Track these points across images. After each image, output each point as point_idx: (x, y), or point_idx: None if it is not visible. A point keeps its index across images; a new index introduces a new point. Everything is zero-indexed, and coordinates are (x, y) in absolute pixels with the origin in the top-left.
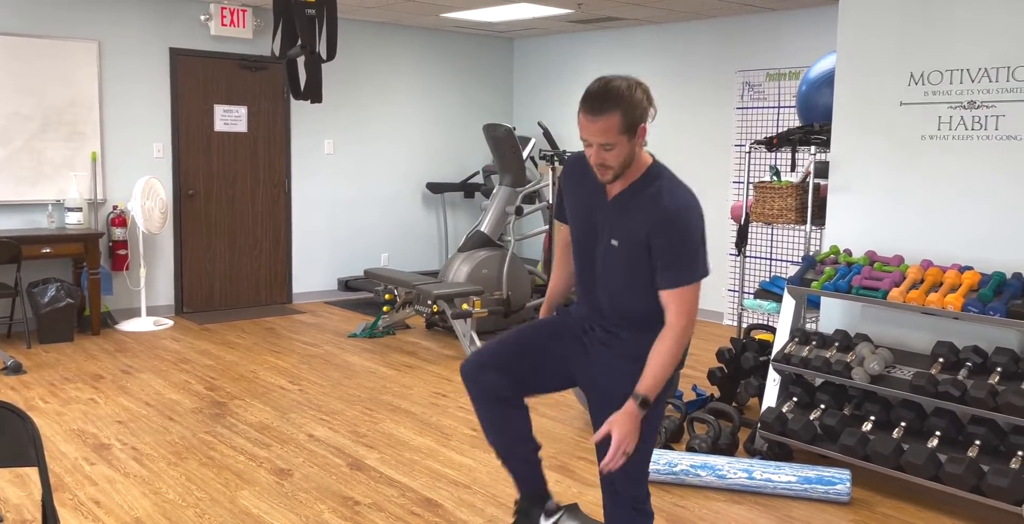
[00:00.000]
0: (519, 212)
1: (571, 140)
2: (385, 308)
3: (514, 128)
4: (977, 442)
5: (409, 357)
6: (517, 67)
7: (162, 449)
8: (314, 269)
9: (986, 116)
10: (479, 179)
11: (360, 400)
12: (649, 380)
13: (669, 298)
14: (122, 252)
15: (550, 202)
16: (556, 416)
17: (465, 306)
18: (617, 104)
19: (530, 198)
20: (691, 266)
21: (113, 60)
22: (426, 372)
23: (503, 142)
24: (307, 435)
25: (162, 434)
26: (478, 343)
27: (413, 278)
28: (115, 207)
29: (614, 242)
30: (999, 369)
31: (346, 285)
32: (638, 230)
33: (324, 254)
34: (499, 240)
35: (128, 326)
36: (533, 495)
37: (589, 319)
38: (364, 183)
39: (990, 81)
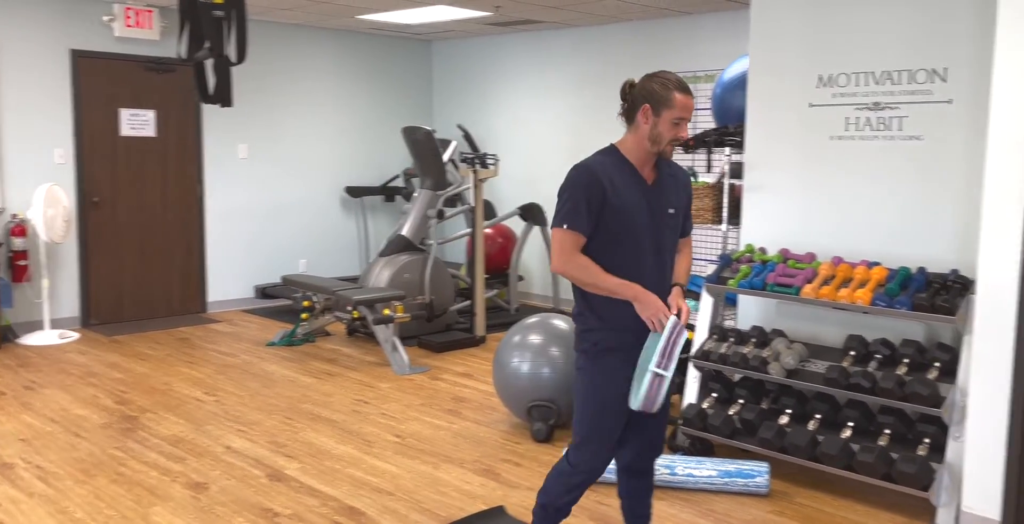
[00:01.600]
0: (441, 215)
1: (492, 142)
2: (304, 315)
3: (434, 131)
4: (887, 431)
5: (329, 364)
6: (436, 69)
7: (69, 467)
8: (229, 277)
9: (890, 117)
10: (399, 182)
11: (279, 409)
12: (684, 276)
13: (689, 240)
14: (22, 263)
15: (472, 205)
16: (481, 420)
17: (387, 311)
18: None
19: (452, 201)
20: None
21: (10, 62)
22: (347, 379)
23: (423, 145)
24: (224, 447)
25: (68, 451)
26: (400, 349)
27: (333, 284)
28: (14, 216)
29: (671, 210)
30: (906, 360)
31: (263, 293)
32: (680, 195)
33: (240, 261)
34: (421, 244)
35: (31, 340)
36: None
37: (659, 293)
38: (281, 188)
39: (893, 83)
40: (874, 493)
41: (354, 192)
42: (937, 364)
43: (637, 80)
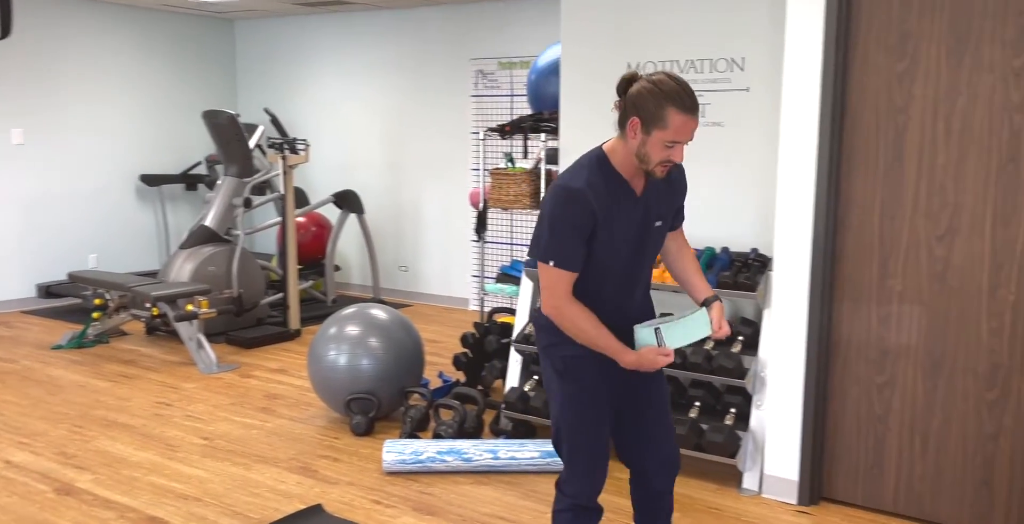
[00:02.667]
0: (248, 204)
1: (301, 127)
2: (95, 314)
3: (238, 115)
4: (697, 404)
5: (126, 366)
6: (240, 50)
7: None
8: (6, 275)
9: None
10: (202, 170)
11: (68, 418)
12: (704, 282)
13: (681, 232)
14: None
15: (282, 192)
16: (296, 416)
17: (190, 307)
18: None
19: (260, 189)
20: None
21: None
22: (147, 381)
23: (226, 130)
24: (3, 462)
25: None
26: (207, 347)
27: (128, 280)
28: None
29: (658, 223)
30: (741, 337)
31: (47, 291)
32: (672, 202)
33: (18, 257)
34: (226, 235)
35: None
36: None
37: (628, 308)
38: (65, 177)
39: (696, 72)
40: (686, 462)
41: (151, 181)
42: (741, 338)
43: (637, 77)
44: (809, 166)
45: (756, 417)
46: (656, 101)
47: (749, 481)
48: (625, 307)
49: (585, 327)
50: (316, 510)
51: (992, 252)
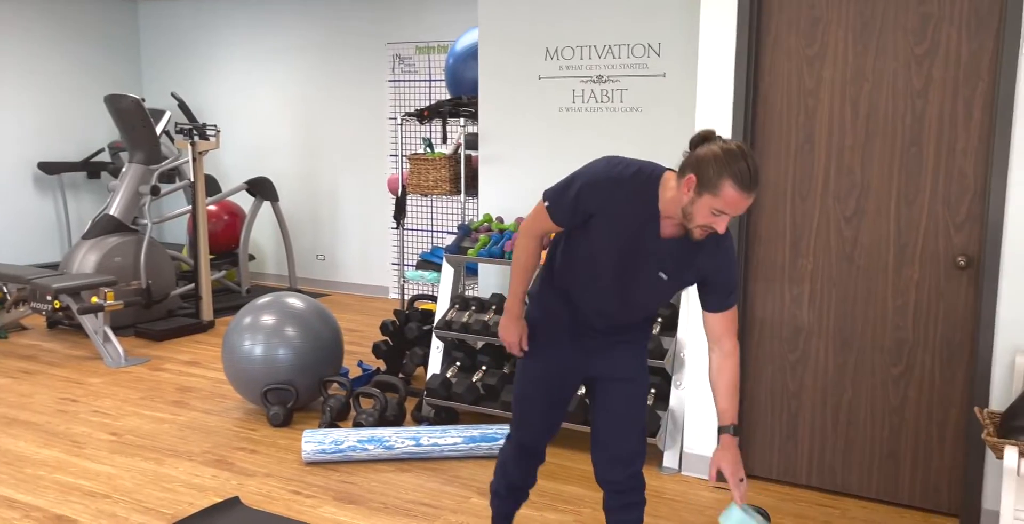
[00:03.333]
0: (155, 192)
1: (211, 113)
2: None
3: (143, 99)
4: None
5: (27, 362)
6: (144, 33)
7: None
8: None
9: (612, 89)
10: (105, 157)
11: None
12: (732, 410)
13: (725, 320)
14: None
15: (192, 179)
16: (211, 409)
17: (95, 299)
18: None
19: (169, 177)
20: (738, 285)
21: None
22: (50, 377)
23: (131, 115)
24: None
25: None
26: (114, 340)
27: (27, 272)
28: None
29: (663, 275)
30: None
31: None
32: (695, 269)
33: None
34: (133, 224)
35: None
36: None
37: (594, 325)
38: None
39: (614, 57)
40: None
41: (49, 168)
42: (659, 319)
43: (713, 138)
44: None
45: (676, 397)
46: (718, 169)
47: (669, 459)
48: (590, 323)
49: (517, 261)
50: (233, 502)
51: (897, 232)
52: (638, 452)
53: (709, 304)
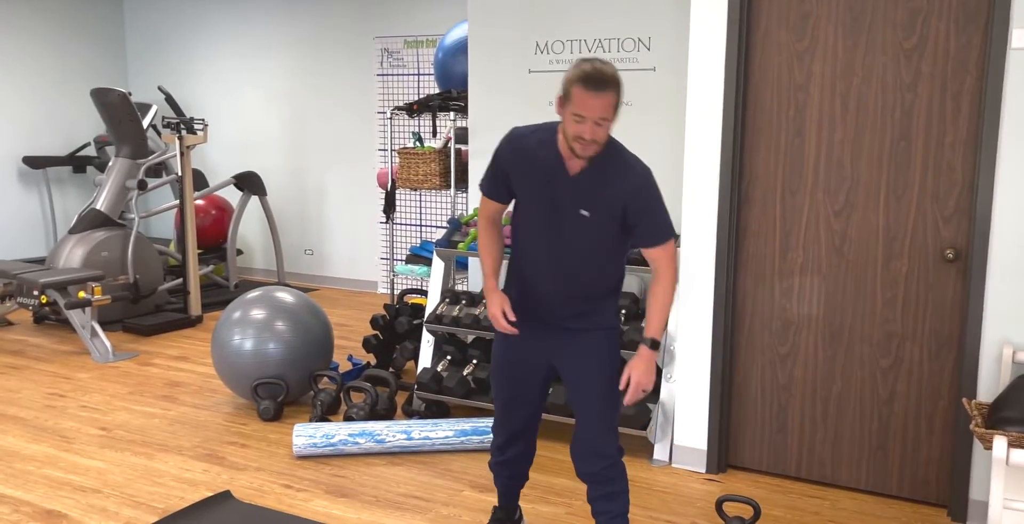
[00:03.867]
0: (142, 186)
1: (198, 107)
2: None
3: (129, 93)
4: None
5: (14, 357)
6: (130, 26)
7: None
8: None
9: None
10: (91, 151)
11: None
12: (656, 324)
13: (659, 254)
14: None
15: (179, 174)
16: (201, 404)
17: (82, 294)
18: (614, 85)
19: (156, 171)
20: (668, 222)
21: None
22: (37, 372)
23: (117, 109)
24: None
25: None
26: (101, 335)
27: (13, 266)
28: None
29: (584, 212)
30: (623, 311)
31: None
32: (613, 201)
33: None
34: (120, 218)
35: None
36: (509, 507)
37: (553, 300)
38: None
39: (604, 51)
40: None
41: (34, 163)
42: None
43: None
44: (714, 144)
45: (666, 389)
46: (568, 78)
47: (660, 452)
48: (547, 293)
49: (481, 245)
50: (224, 496)
51: (886, 226)
52: (608, 442)
53: (642, 242)
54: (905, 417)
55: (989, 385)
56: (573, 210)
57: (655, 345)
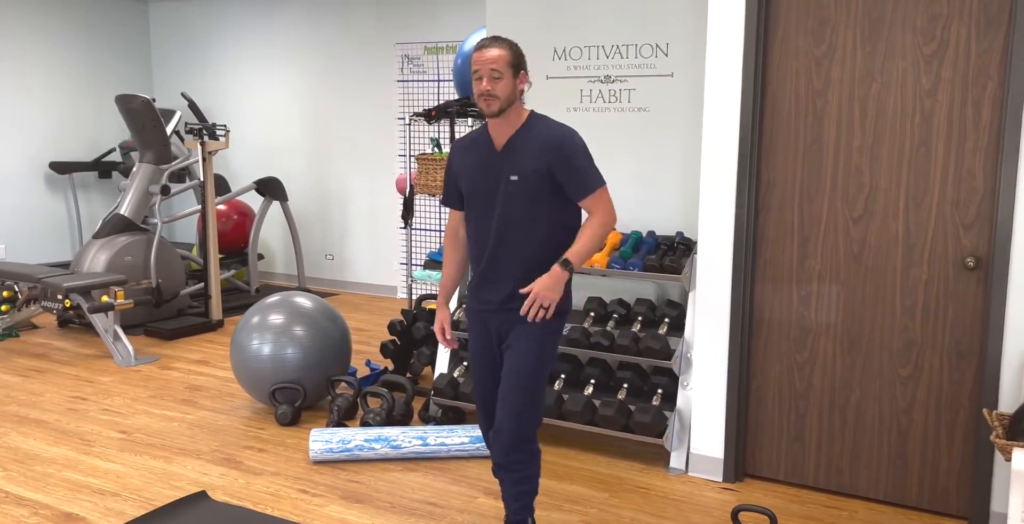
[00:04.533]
0: (165, 191)
1: (221, 113)
2: (4, 307)
3: (153, 99)
4: (625, 385)
5: (38, 360)
6: (155, 34)
7: None
8: None
9: (620, 89)
10: (116, 157)
11: None
12: (576, 248)
13: (591, 203)
14: None
15: (201, 179)
16: (219, 408)
17: (105, 298)
18: (504, 43)
19: (179, 176)
20: (594, 173)
21: None
22: (60, 375)
23: (141, 115)
24: None
25: None
26: (124, 339)
27: (38, 271)
28: None
29: (514, 177)
30: (640, 318)
31: None
32: (537, 160)
33: None
34: (144, 223)
35: None
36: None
37: (496, 289)
38: None
39: (622, 57)
40: (615, 444)
41: (61, 168)
42: (667, 320)
43: None
44: (731, 150)
45: (683, 397)
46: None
47: (676, 460)
48: (489, 270)
49: (444, 256)
50: (200, 497)
51: (905, 233)
52: (511, 429)
53: (574, 195)
54: (925, 427)
55: (1010, 395)
56: (505, 178)
57: (566, 264)
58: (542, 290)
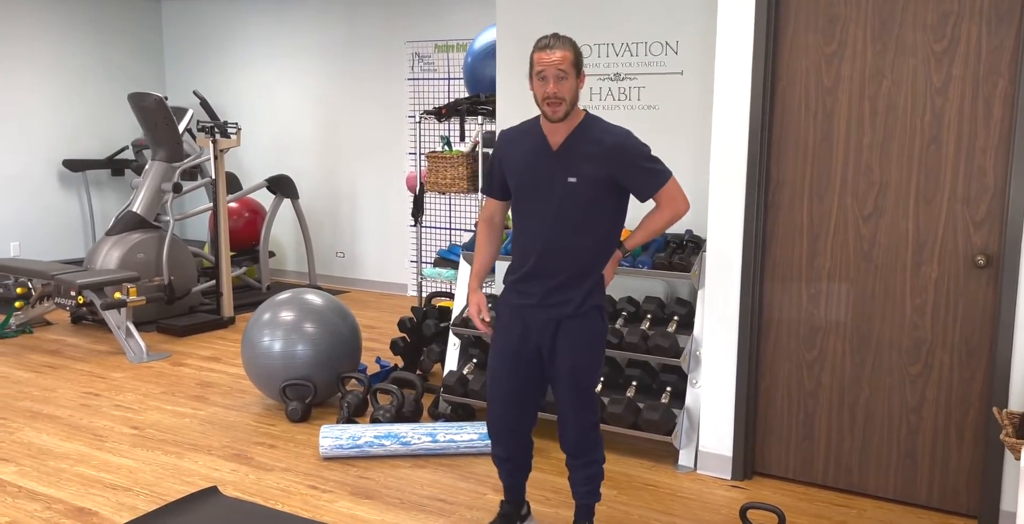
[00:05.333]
0: (177, 189)
1: (233, 111)
2: (18, 303)
3: (166, 98)
4: (634, 383)
5: (52, 356)
6: (167, 32)
7: None
8: None
9: (630, 87)
10: (128, 155)
11: None
12: (636, 237)
13: (661, 196)
14: None
15: (213, 177)
16: (231, 404)
17: (118, 295)
18: (567, 43)
19: (191, 174)
20: (661, 167)
21: None
22: (73, 371)
23: (154, 113)
24: None
25: None
26: (136, 335)
27: (52, 267)
28: None
29: (572, 179)
30: (649, 316)
31: None
32: (597, 166)
33: None
34: (156, 221)
35: None
36: (517, 501)
37: (542, 285)
38: None
39: (632, 55)
40: (624, 441)
41: (74, 166)
42: (676, 317)
43: None
44: (741, 148)
45: (691, 395)
46: (530, 55)
47: (685, 458)
48: (539, 267)
49: (476, 245)
50: (211, 492)
51: (915, 231)
52: (579, 420)
53: (645, 192)
54: (934, 425)
55: (1021, 394)
56: (561, 179)
57: (622, 249)
58: (608, 279)
